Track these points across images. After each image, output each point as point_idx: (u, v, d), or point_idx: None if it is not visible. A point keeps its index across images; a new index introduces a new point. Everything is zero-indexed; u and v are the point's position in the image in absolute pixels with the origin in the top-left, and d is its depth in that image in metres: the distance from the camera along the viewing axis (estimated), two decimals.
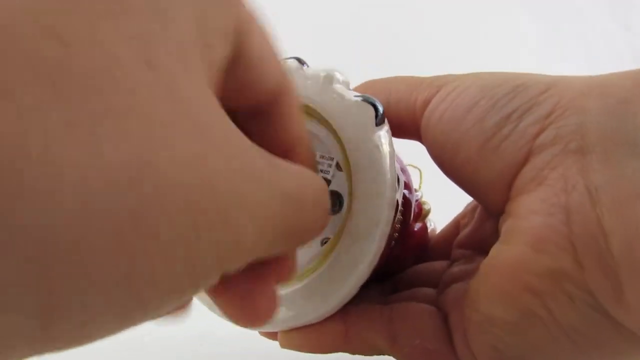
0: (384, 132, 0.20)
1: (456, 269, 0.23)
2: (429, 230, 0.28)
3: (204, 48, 0.12)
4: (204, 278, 0.11)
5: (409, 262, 0.27)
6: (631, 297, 0.15)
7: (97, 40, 0.10)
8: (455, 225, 0.27)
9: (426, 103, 0.20)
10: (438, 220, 0.29)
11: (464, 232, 0.26)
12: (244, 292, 0.16)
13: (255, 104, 0.16)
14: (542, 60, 0.67)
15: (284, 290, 0.20)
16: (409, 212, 0.24)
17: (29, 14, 0.09)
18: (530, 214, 0.16)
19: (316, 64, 0.22)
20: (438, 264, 0.26)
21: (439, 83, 0.20)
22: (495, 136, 0.18)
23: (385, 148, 0.20)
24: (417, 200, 0.26)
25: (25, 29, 0.09)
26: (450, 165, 0.20)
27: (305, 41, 0.61)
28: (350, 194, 0.20)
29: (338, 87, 0.20)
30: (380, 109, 0.20)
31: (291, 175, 0.14)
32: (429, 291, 0.23)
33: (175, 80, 0.11)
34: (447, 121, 0.19)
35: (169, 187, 0.10)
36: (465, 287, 0.20)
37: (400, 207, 0.22)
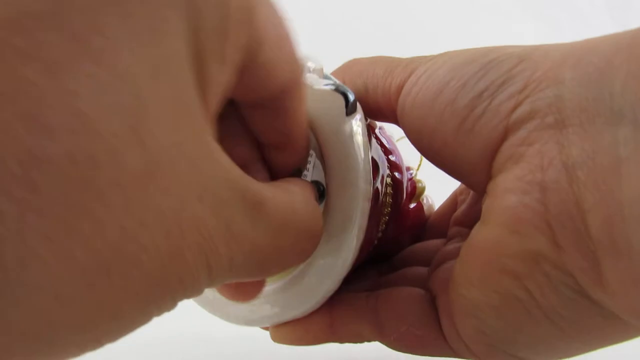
0: (355, 121, 0.19)
1: (450, 247, 0.23)
2: (426, 207, 0.27)
3: (202, 84, 0.12)
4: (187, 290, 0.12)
5: (407, 241, 0.26)
6: (611, 278, 0.14)
7: (80, 120, 0.09)
8: (453, 202, 0.27)
9: (400, 88, 0.19)
10: (437, 197, 0.28)
11: (461, 209, 0.25)
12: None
13: (261, 98, 0.15)
14: None
15: (267, 287, 0.20)
16: (401, 192, 0.24)
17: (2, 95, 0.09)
18: (506, 193, 0.16)
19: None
20: (434, 243, 0.25)
21: (412, 66, 0.19)
22: (468, 117, 0.17)
23: (358, 138, 0.19)
24: (410, 179, 0.26)
25: (3, 115, 0.09)
26: (430, 150, 0.19)
27: (304, 38, 0.61)
28: (326, 186, 0.19)
29: (308, 76, 0.19)
30: (351, 97, 0.19)
31: (275, 227, 0.14)
32: (421, 270, 0.23)
33: (165, 151, 0.11)
34: (419, 106, 0.18)
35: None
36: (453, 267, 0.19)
37: (389, 190, 0.23)
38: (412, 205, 0.26)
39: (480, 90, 0.17)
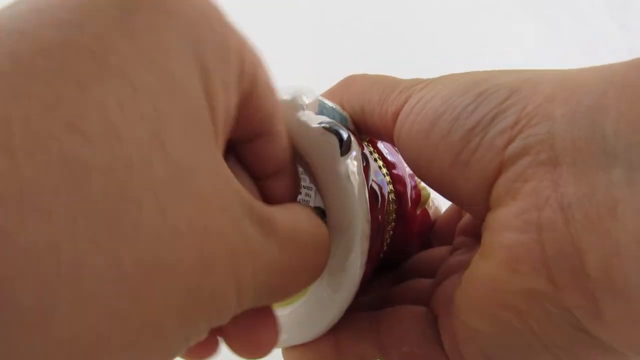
0: (351, 160, 0.19)
1: (454, 259, 0.23)
2: (432, 212, 0.27)
3: (210, 104, 0.13)
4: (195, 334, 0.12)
5: (416, 247, 0.27)
6: (610, 317, 0.14)
7: (112, 129, 0.10)
8: (458, 208, 0.27)
9: (395, 115, 0.20)
10: (443, 200, 0.28)
11: (465, 219, 0.25)
12: (248, 327, 0.17)
13: (257, 127, 0.16)
14: (541, 61, 0.67)
15: (278, 314, 0.21)
16: (405, 202, 0.24)
17: (40, 104, 0.09)
18: (504, 230, 0.16)
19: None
20: (440, 251, 0.25)
21: (407, 93, 0.20)
22: (463, 151, 0.17)
23: (353, 178, 0.19)
24: (415, 186, 0.26)
25: (46, 124, 0.09)
26: (428, 178, 0.19)
27: (304, 38, 0.62)
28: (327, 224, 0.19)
29: (302, 115, 0.19)
30: (345, 136, 0.19)
31: (285, 242, 0.15)
32: (425, 284, 0.23)
33: (186, 160, 0.11)
34: (415, 136, 0.19)
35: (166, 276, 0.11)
36: (455, 284, 0.19)
37: (392, 203, 0.23)
38: (418, 212, 0.26)
39: (472, 124, 0.17)
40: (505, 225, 0.16)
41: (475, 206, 0.17)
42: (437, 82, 0.19)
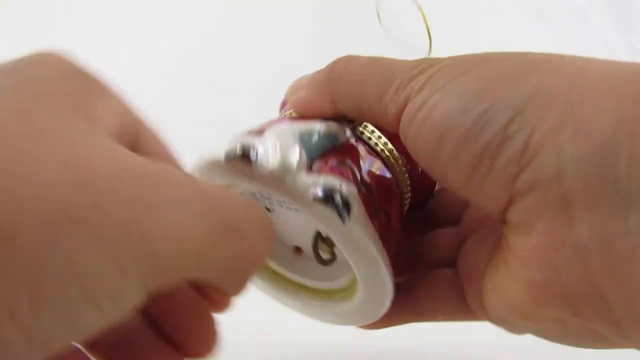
0: (354, 225, 0.19)
1: (475, 212, 0.24)
2: None
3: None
4: (131, 288, 0.13)
5: (434, 185, 0.28)
6: (634, 333, 0.15)
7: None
8: None
9: (397, 117, 0.19)
10: None
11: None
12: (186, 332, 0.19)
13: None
14: None
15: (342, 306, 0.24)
16: (416, 171, 0.25)
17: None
18: (526, 265, 0.16)
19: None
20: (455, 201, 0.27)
21: (405, 92, 0.19)
22: (474, 174, 0.17)
23: (363, 239, 0.19)
24: None
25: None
26: (441, 183, 0.20)
27: (304, 40, 0.62)
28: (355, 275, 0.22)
29: (294, 184, 0.19)
30: (340, 198, 0.19)
31: (226, 206, 0.16)
32: (450, 236, 0.25)
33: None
34: (422, 149, 0.19)
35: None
36: (478, 258, 0.21)
37: (400, 160, 0.24)
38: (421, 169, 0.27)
39: (479, 149, 0.17)
40: (527, 261, 0.16)
41: (492, 216, 0.18)
42: (435, 81, 0.18)
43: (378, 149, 0.23)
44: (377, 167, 0.23)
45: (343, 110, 0.22)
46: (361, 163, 0.22)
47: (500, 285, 0.18)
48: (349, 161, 0.21)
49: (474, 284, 0.21)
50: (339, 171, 0.20)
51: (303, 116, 0.23)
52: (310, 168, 0.20)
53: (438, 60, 0.19)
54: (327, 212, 0.19)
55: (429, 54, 0.28)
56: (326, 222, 0.19)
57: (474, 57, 0.19)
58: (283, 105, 0.26)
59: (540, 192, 0.16)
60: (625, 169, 0.14)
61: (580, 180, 0.15)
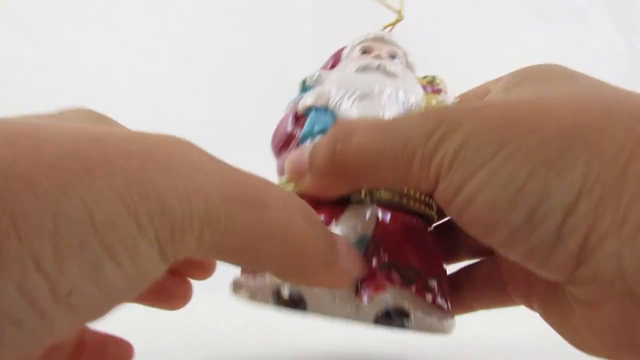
0: (416, 325, 0.20)
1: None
2: None
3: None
4: (149, 261, 0.13)
5: None
6: None
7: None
8: None
9: (428, 189, 0.18)
10: None
11: None
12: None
13: None
14: (542, 60, 0.67)
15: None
16: None
17: None
18: (595, 328, 0.17)
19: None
20: None
21: (433, 172, 0.17)
22: (529, 260, 0.17)
23: (427, 325, 0.20)
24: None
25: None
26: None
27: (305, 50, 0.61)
28: None
29: (349, 314, 0.19)
30: (398, 320, 0.20)
31: (245, 176, 0.15)
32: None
33: None
34: (467, 227, 0.18)
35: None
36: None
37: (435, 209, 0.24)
38: None
39: (534, 245, 0.16)
40: (597, 329, 0.16)
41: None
42: (467, 161, 0.17)
43: (412, 209, 0.22)
44: (409, 227, 0.22)
45: (361, 187, 0.21)
46: (398, 242, 0.21)
47: (567, 322, 0.18)
48: (388, 257, 0.20)
49: (518, 282, 0.22)
50: (385, 280, 0.20)
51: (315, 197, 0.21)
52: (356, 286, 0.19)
53: (454, 118, 0.17)
54: (391, 328, 0.20)
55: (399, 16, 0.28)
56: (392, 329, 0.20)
57: (498, 124, 0.17)
58: (278, 146, 0.25)
59: (604, 285, 0.15)
60: None
61: None
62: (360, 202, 0.21)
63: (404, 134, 0.18)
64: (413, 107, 0.24)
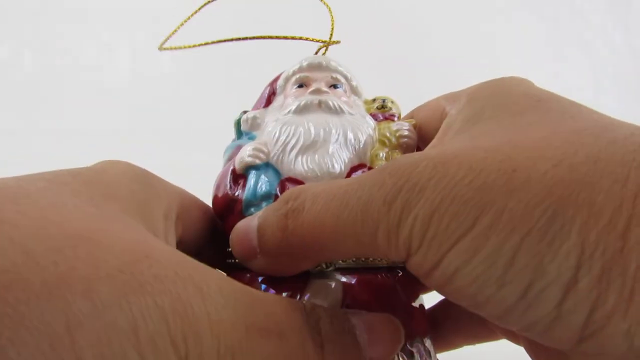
0: None
1: None
2: None
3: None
4: None
5: None
6: None
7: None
8: None
9: (399, 258, 0.16)
10: None
11: None
12: None
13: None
14: (542, 60, 0.67)
15: None
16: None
17: None
18: None
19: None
20: None
21: (403, 246, 0.15)
22: (527, 334, 0.15)
23: None
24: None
25: None
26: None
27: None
28: None
29: None
30: None
31: (263, 303, 0.15)
32: None
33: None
34: (453, 299, 0.16)
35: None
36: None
37: None
38: None
39: (530, 323, 0.14)
40: None
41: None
42: (438, 235, 0.15)
43: (378, 265, 0.21)
44: (379, 288, 0.20)
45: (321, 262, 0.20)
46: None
47: None
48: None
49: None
50: None
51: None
52: None
53: (416, 179, 0.15)
54: None
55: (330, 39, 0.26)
56: None
57: (471, 184, 0.14)
58: (221, 214, 0.22)
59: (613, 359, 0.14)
60: None
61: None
62: (322, 273, 0.20)
63: (362, 203, 0.16)
64: (362, 147, 0.22)
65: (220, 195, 0.22)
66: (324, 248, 0.17)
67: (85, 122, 0.64)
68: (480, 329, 0.23)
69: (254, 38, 0.24)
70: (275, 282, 0.20)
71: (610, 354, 0.14)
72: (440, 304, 0.25)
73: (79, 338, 0.11)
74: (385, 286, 0.20)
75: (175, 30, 0.24)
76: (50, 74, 0.65)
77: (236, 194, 0.21)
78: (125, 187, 0.17)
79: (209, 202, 0.23)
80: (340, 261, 0.20)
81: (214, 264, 0.21)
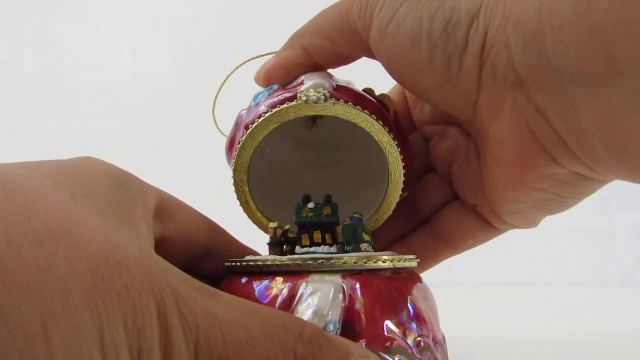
0: None
1: (441, 148, 0.27)
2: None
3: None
4: None
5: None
6: (610, 164, 0.20)
7: None
8: (401, 106, 0.29)
9: (365, 30, 0.23)
10: None
11: (425, 111, 0.28)
12: None
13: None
14: None
15: None
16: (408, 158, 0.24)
17: None
18: (507, 141, 0.21)
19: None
20: (415, 147, 0.28)
21: (369, 11, 0.22)
22: (447, 76, 0.21)
23: None
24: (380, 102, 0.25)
25: None
26: (413, 90, 0.24)
27: None
28: None
29: None
30: None
31: (226, 305, 0.16)
32: (436, 179, 0.28)
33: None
34: (396, 56, 0.22)
35: None
36: (467, 168, 0.25)
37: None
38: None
39: (450, 51, 0.21)
40: (505, 137, 0.21)
41: (463, 114, 0.23)
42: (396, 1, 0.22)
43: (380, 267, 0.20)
44: (381, 292, 0.20)
45: (317, 53, 0.24)
46: (373, 317, 0.19)
47: (490, 178, 0.23)
48: (366, 342, 0.18)
49: (475, 192, 0.25)
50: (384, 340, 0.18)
51: None
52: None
53: None
54: None
55: None
56: None
57: None
58: None
59: (500, 81, 0.20)
60: (551, 49, 0.18)
61: (526, 66, 0.19)
62: (322, 272, 0.19)
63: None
64: None
65: None
66: (319, 29, 0.24)
67: (85, 122, 0.65)
68: (470, 220, 0.26)
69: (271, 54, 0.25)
70: (275, 280, 0.19)
71: (499, 73, 0.20)
72: (435, 220, 0.27)
73: (53, 337, 0.12)
74: (386, 289, 0.20)
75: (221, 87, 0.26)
76: (50, 74, 0.65)
77: None
78: (105, 186, 0.17)
79: (211, 201, 0.23)
80: (341, 262, 0.19)
81: (214, 268, 0.22)
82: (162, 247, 0.20)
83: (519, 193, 0.23)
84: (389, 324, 0.19)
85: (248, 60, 0.25)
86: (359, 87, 0.25)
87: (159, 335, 0.14)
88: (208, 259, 0.22)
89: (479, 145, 0.24)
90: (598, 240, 0.64)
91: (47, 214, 0.13)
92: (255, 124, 0.22)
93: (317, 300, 0.18)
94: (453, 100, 0.22)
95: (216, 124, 0.26)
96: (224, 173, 0.25)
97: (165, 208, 0.20)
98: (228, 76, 0.25)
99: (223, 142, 0.25)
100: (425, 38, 0.21)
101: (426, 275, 0.24)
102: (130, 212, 0.18)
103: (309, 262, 0.19)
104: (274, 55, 0.25)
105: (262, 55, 0.26)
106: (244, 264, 0.20)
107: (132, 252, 0.14)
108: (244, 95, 0.25)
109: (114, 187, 0.18)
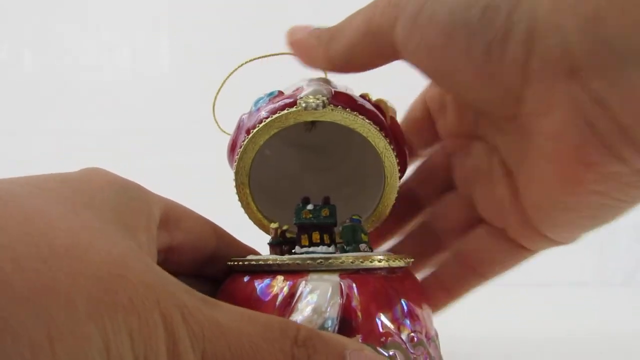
0: None
1: (467, 164, 0.25)
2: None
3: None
4: None
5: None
6: None
7: None
8: (423, 116, 0.27)
9: (391, 30, 0.21)
10: None
11: (449, 121, 0.26)
12: None
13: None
14: None
15: None
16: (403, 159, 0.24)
17: None
18: (561, 136, 0.19)
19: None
20: (435, 158, 0.27)
21: (394, 4, 0.21)
22: (487, 67, 0.19)
23: None
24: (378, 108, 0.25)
25: None
26: (446, 86, 0.22)
27: None
28: None
29: None
30: None
31: (228, 314, 0.16)
32: (456, 201, 0.26)
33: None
34: (429, 49, 0.20)
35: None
36: (493, 188, 0.23)
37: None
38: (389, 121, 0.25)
39: (490, 38, 0.18)
40: (561, 131, 0.18)
41: (504, 110, 0.20)
42: None
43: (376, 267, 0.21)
44: (378, 291, 0.20)
45: (339, 58, 0.23)
46: (369, 314, 0.20)
47: (536, 176, 0.20)
48: (362, 338, 0.19)
49: (505, 214, 0.23)
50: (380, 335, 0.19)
51: None
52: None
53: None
54: None
55: None
56: None
57: None
58: None
59: (551, 71, 0.18)
60: (613, 29, 0.16)
61: (582, 52, 0.17)
62: (320, 270, 0.20)
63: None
64: None
65: None
66: (345, 32, 0.23)
67: (85, 122, 0.65)
68: (497, 245, 0.25)
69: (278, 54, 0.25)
70: (274, 279, 0.20)
71: (549, 63, 0.18)
72: (464, 247, 0.26)
73: (58, 349, 0.12)
74: (382, 287, 0.20)
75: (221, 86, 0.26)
76: (50, 74, 0.65)
77: None
78: (109, 197, 0.17)
79: (211, 201, 0.23)
80: (339, 262, 0.20)
81: (219, 270, 0.22)
82: (171, 255, 0.21)
83: (574, 198, 0.20)
84: (384, 320, 0.19)
85: (248, 61, 0.25)
86: (357, 92, 0.25)
87: (165, 346, 0.14)
88: (214, 262, 0.22)
89: (521, 148, 0.21)
90: (598, 240, 0.64)
91: (49, 230, 0.14)
92: (257, 129, 0.22)
93: (316, 298, 0.19)
94: (493, 95, 0.20)
95: (217, 123, 0.26)
96: (224, 173, 0.25)
97: (172, 217, 0.20)
98: (228, 76, 0.25)
99: (223, 142, 0.25)
100: (462, 26, 0.19)
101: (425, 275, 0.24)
102: (132, 222, 0.18)
103: (308, 261, 0.20)
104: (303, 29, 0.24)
105: (262, 57, 0.26)
106: (246, 263, 0.21)
107: (135, 265, 0.14)
108: (244, 96, 0.25)
109: (118, 197, 0.18)
